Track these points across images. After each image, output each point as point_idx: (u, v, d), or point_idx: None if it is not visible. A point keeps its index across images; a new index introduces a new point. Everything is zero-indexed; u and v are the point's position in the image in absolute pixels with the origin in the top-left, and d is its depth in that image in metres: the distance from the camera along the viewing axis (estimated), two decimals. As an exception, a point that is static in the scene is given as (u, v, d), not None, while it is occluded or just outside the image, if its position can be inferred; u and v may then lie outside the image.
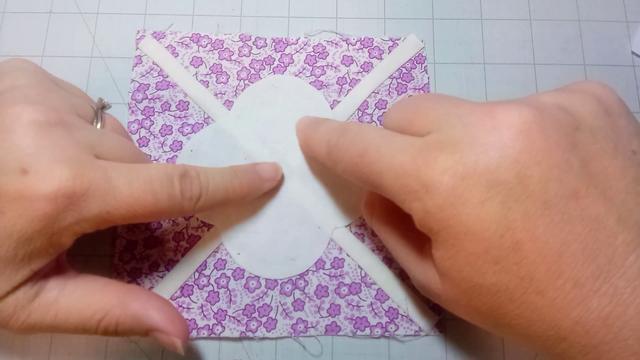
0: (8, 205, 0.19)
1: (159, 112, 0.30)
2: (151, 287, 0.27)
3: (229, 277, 0.28)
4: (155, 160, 0.30)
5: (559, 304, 0.17)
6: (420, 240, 0.22)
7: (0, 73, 0.23)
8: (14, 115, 0.20)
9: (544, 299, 0.18)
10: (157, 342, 0.22)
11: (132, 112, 0.30)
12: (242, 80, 0.31)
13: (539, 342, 0.18)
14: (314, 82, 0.31)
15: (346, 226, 0.29)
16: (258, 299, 0.27)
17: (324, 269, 0.28)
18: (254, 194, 0.27)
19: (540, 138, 0.18)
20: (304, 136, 0.28)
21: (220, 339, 0.27)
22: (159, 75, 0.31)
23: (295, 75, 0.31)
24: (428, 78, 0.31)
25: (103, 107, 0.26)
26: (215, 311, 0.27)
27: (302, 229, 0.29)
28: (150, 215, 0.22)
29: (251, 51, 0.32)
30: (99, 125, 0.25)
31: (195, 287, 0.28)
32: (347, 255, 0.28)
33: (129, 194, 0.21)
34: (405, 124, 0.21)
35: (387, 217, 0.24)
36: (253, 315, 0.27)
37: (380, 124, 0.30)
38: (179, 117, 0.30)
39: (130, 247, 0.28)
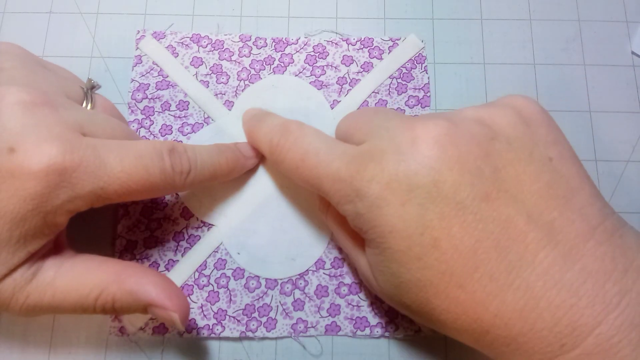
0: (0, 185, 0.19)
1: (159, 112, 0.30)
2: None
3: (229, 277, 0.28)
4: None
5: (478, 297, 0.19)
6: (361, 240, 0.24)
7: None
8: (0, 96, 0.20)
9: (464, 293, 0.19)
10: (157, 318, 0.22)
11: (132, 112, 0.30)
12: (242, 81, 0.31)
13: (467, 335, 0.20)
14: (314, 82, 0.31)
15: (346, 226, 0.29)
16: (258, 299, 0.27)
17: (324, 268, 0.28)
18: (238, 171, 0.28)
19: (452, 148, 0.20)
20: (248, 130, 0.28)
21: (220, 339, 0.27)
22: (159, 75, 0.31)
23: (295, 75, 0.31)
24: (428, 78, 0.31)
25: (92, 87, 0.26)
26: (215, 311, 0.27)
27: (302, 229, 0.29)
28: (144, 190, 0.22)
29: (251, 51, 0.32)
30: (89, 106, 0.25)
31: (195, 287, 0.28)
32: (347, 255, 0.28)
33: (120, 169, 0.21)
34: (347, 136, 0.24)
35: (337, 216, 0.25)
36: (253, 315, 0.27)
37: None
38: (179, 117, 0.30)
39: (130, 247, 0.28)
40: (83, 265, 0.22)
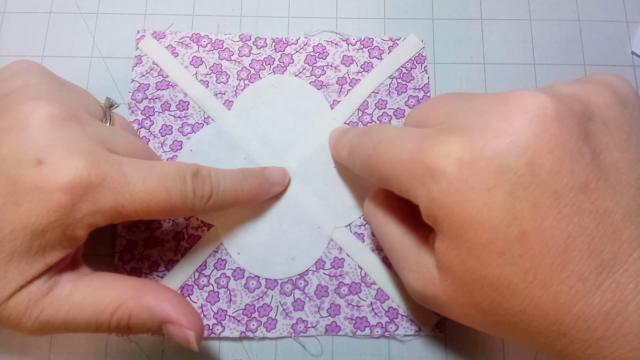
0: (24, 196, 0.19)
1: (159, 112, 0.30)
2: (151, 287, 0.27)
3: (229, 277, 0.28)
4: (155, 160, 0.30)
5: (562, 298, 0.17)
6: (421, 236, 0.22)
7: (10, 73, 0.23)
8: (28, 110, 0.20)
9: (547, 294, 0.17)
10: (171, 338, 0.22)
11: (132, 112, 0.30)
12: (242, 80, 0.31)
13: (540, 338, 0.18)
14: (314, 82, 0.31)
15: (346, 226, 0.29)
16: (258, 299, 0.27)
17: (324, 268, 0.28)
18: (261, 198, 0.28)
19: (555, 125, 0.17)
20: (333, 143, 0.28)
21: (220, 339, 0.27)
22: (159, 75, 0.31)
23: (295, 75, 0.31)
24: (428, 78, 0.31)
25: (111, 105, 0.26)
26: (215, 311, 0.27)
27: (302, 229, 0.29)
28: (163, 211, 0.22)
29: (251, 51, 0.32)
30: (108, 124, 0.25)
31: (195, 287, 0.28)
32: (347, 255, 0.28)
33: (143, 189, 0.21)
34: (422, 121, 0.21)
35: (390, 214, 0.24)
36: (253, 315, 0.27)
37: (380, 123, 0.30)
38: (179, 117, 0.30)
39: (130, 247, 0.28)
40: (100, 281, 0.22)
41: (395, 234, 0.23)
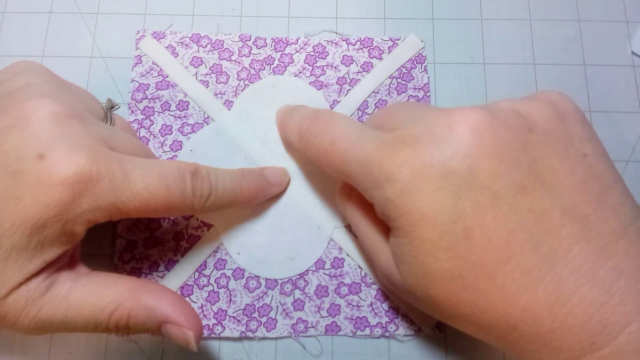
0: (24, 191, 0.19)
1: (159, 112, 0.30)
2: (151, 287, 0.27)
3: (229, 277, 0.28)
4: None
5: (508, 291, 0.18)
6: (383, 229, 0.23)
7: (12, 73, 0.23)
8: (31, 108, 0.21)
9: (494, 286, 0.19)
10: (169, 338, 0.22)
11: (132, 112, 0.30)
12: (242, 81, 0.31)
13: (492, 331, 0.19)
14: (314, 82, 0.31)
15: (346, 226, 0.29)
16: (258, 299, 0.27)
17: (324, 268, 0.28)
18: (261, 198, 0.28)
19: (491, 136, 0.19)
20: (280, 121, 0.29)
21: (220, 339, 0.27)
22: (158, 75, 0.31)
23: (295, 75, 0.31)
24: (428, 78, 0.31)
25: (112, 107, 0.26)
26: (215, 311, 0.27)
27: (302, 229, 0.29)
28: (162, 210, 0.22)
29: (251, 51, 0.32)
30: (109, 124, 0.25)
31: (195, 287, 0.28)
32: (347, 255, 0.28)
33: (143, 186, 0.21)
34: (377, 126, 0.23)
35: (360, 205, 0.25)
36: (253, 315, 0.27)
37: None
38: (178, 117, 0.30)
39: (130, 247, 0.28)
40: (99, 281, 0.22)
41: (362, 224, 0.25)
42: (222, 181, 0.25)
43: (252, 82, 0.31)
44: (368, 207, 0.23)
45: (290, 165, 0.29)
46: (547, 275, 0.18)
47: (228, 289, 0.28)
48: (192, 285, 0.28)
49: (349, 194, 0.26)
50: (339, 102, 0.31)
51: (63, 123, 0.21)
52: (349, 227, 0.29)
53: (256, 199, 0.27)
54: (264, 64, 0.31)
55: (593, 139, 0.21)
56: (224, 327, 0.27)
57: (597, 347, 0.18)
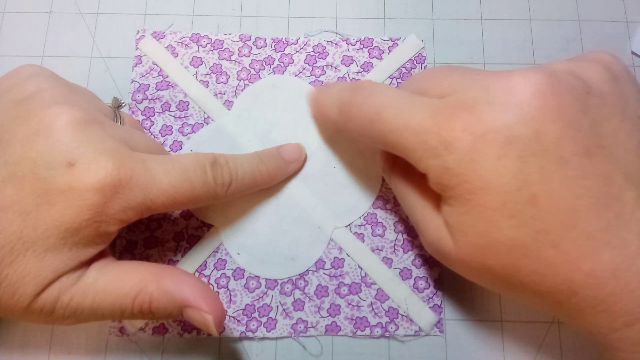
0: (56, 197, 0.20)
1: (159, 113, 0.30)
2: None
3: (229, 277, 0.28)
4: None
5: (572, 256, 0.18)
6: (433, 198, 0.22)
7: (20, 78, 0.23)
8: (52, 115, 0.21)
9: (558, 252, 0.18)
10: (192, 322, 0.22)
11: (132, 112, 0.30)
12: (242, 80, 0.31)
13: (550, 297, 0.19)
14: (314, 82, 0.31)
15: (346, 226, 0.29)
16: (258, 299, 0.27)
17: (324, 269, 0.28)
18: (279, 177, 0.28)
19: (554, 99, 0.19)
20: (315, 100, 0.28)
21: (220, 339, 0.27)
22: (158, 76, 0.31)
23: (295, 75, 0.31)
24: (428, 78, 0.31)
25: (119, 105, 0.27)
26: (215, 311, 0.27)
27: (302, 229, 0.29)
28: (188, 202, 0.23)
29: (251, 51, 0.32)
30: (119, 123, 0.26)
31: (195, 287, 0.28)
32: (347, 255, 0.28)
33: (168, 182, 0.22)
34: (422, 92, 0.22)
35: (406, 173, 0.24)
36: (253, 315, 0.27)
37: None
38: (179, 118, 0.30)
39: (130, 247, 0.28)
40: (123, 267, 0.23)
41: (409, 195, 0.24)
42: (241, 167, 0.26)
43: (252, 82, 0.31)
44: (416, 177, 0.23)
45: (290, 165, 0.29)
46: (612, 239, 0.18)
47: (228, 289, 0.28)
48: (192, 285, 0.28)
49: (393, 164, 0.25)
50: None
51: (85, 129, 0.21)
52: (349, 227, 0.29)
53: (275, 179, 0.28)
54: (264, 64, 0.31)
55: None
56: (224, 327, 0.27)
57: None
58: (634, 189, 0.18)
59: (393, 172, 0.25)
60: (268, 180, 0.27)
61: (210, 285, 0.28)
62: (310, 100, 0.29)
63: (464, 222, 0.20)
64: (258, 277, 0.28)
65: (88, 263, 0.22)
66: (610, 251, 0.18)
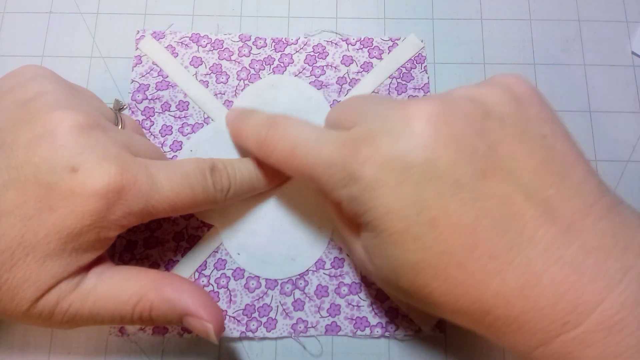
0: (59, 202, 0.20)
1: (159, 113, 0.30)
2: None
3: (229, 277, 0.28)
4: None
5: (478, 276, 0.19)
6: (357, 226, 0.23)
7: (23, 79, 0.23)
8: (56, 120, 0.21)
9: (464, 273, 0.19)
10: (192, 329, 0.22)
11: (132, 112, 0.30)
12: (242, 80, 0.31)
13: (467, 317, 0.20)
14: (314, 82, 0.31)
15: (346, 226, 0.29)
16: (258, 299, 0.27)
17: (324, 269, 0.28)
18: (279, 180, 0.28)
19: (446, 126, 0.20)
20: (233, 129, 0.29)
21: (220, 339, 0.27)
22: (158, 76, 0.31)
23: (295, 75, 0.31)
24: (428, 78, 0.31)
25: (120, 108, 0.27)
26: (215, 311, 0.27)
27: (302, 229, 0.29)
28: (188, 207, 0.23)
29: (251, 51, 0.32)
30: (120, 127, 0.26)
31: (195, 287, 0.28)
32: (347, 255, 0.28)
33: (169, 188, 0.22)
34: (337, 123, 0.24)
35: (332, 205, 0.25)
36: (253, 315, 0.27)
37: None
38: (179, 118, 0.30)
39: (130, 247, 0.28)
40: (123, 274, 0.22)
41: (336, 223, 0.25)
42: (239, 171, 0.26)
43: (252, 82, 0.31)
44: (339, 206, 0.23)
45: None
46: (515, 258, 0.18)
47: (228, 289, 0.28)
48: (192, 285, 0.28)
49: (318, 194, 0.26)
50: (339, 102, 0.31)
51: (88, 134, 0.21)
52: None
53: (273, 182, 0.28)
54: (264, 64, 0.31)
55: (552, 120, 0.21)
56: (224, 327, 0.27)
57: (570, 327, 0.17)
58: (536, 207, 0.19)
59: (325, 201, 0.26)
60: (266, 184, 0.27)
61: (210, 285, 0.28)
62: (228, 125, 0.29)
63: (376, 245, 0.21)
64: (258, 277, 0.28)
65: (87, 268, 0.22)
66: (514, 270, 0.18)
